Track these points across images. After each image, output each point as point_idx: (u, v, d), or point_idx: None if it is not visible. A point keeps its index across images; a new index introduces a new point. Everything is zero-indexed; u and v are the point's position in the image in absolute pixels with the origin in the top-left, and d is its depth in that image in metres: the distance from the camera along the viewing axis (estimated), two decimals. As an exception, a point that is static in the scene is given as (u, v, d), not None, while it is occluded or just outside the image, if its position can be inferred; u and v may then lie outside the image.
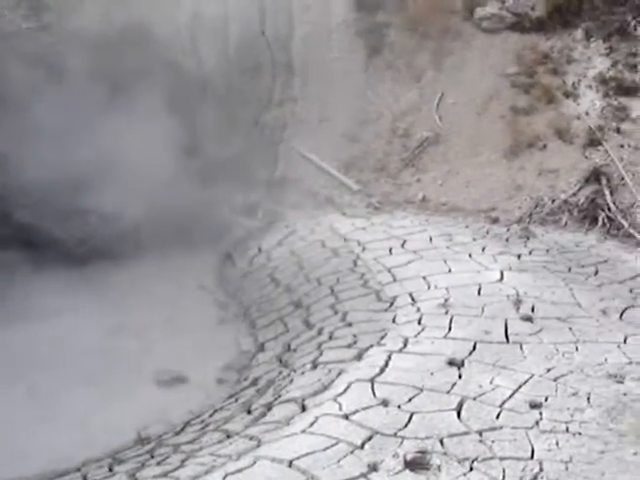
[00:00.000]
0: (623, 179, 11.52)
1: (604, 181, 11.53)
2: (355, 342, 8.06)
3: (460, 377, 6.92)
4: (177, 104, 12.68)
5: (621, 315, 8.27)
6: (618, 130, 12.19)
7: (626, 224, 10.86)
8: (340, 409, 6.57)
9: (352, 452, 5.95)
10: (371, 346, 7.78)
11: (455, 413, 6.37)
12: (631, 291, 8.94)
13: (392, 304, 8.78)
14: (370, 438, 6.11)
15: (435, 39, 14.28)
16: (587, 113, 12.57)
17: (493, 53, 13.93)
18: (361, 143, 13.50)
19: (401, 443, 6.01)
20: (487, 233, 10.98)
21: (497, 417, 6.30)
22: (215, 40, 14.23)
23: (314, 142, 13.47)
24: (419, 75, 14.11)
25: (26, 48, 12.39)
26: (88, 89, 11.86)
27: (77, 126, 11.66)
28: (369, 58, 14.46)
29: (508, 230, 11.08)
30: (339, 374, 7.34)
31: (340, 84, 14.04)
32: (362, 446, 6.01)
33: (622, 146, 11.97)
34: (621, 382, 6.83)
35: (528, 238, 10.71)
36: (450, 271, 9.44)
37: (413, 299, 8.76)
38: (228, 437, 6.91)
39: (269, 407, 7.23)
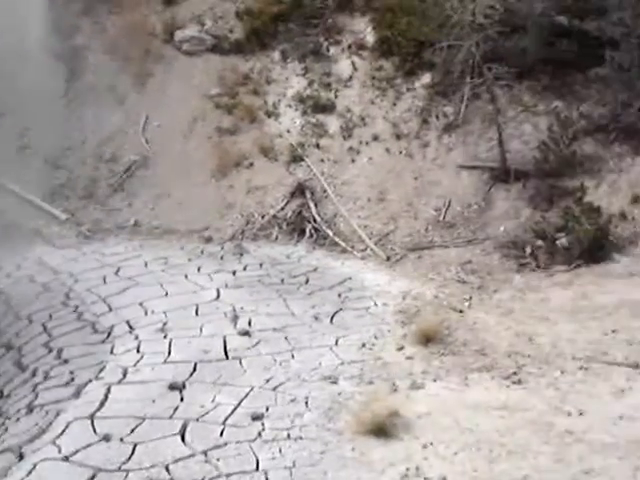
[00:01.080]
0: (326, 192, 12.22)
1: (308, 194, 12.16)
2: (72, 379, 7.70)
3: (182, 400, 6.91)
4: None
5: (331, 319, 8.77)
6: (318, 146, 12.91)
7: (331, 233, 11.54)
8: (60, 451, 6.27)
9: (74, 495, 5.69)
10: (89, 381, 7.50)
11: (179, 437, 6.34)
12: (339, 295, 9.50)
13: (109, 335, 8.55)
14: (93, 477, 5.88)
15: (137, 62, 14.19)
16: (288, 131, 13.16)
17: (195, 75, 14.13)
18: (66, 170, 13.05)
19: (126, 476, 5.86)
20: (202, 253, 11.11)
21: (221, 434, 6.36)
22: None
23: (14, 171, 12.72)
24: (122, 98, 13.95)
25: None
26: None
27: None
28: (69, 82, 14.05)
29: (222, 248, 11.29)
30: (57, 415, 6.97)
31: (39, 109, 13.40)
32: (85, 486, 5.77)
33: (322, 160, 12.69)
34: (335, 383, 7.21)
35: (242, 254, 10.99)
36: (167, 294, 9.43)
37: (131, 327, 8.60)
38: (-63, 501, 6.27)
39: (-18, 461, 6.67)
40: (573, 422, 6.41)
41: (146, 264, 10.59)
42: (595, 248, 10.11)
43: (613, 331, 8.18)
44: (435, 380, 7.25)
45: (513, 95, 12.36)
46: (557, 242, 10.37)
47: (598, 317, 8.59)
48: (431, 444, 6.14)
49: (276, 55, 14.22)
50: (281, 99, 13.61)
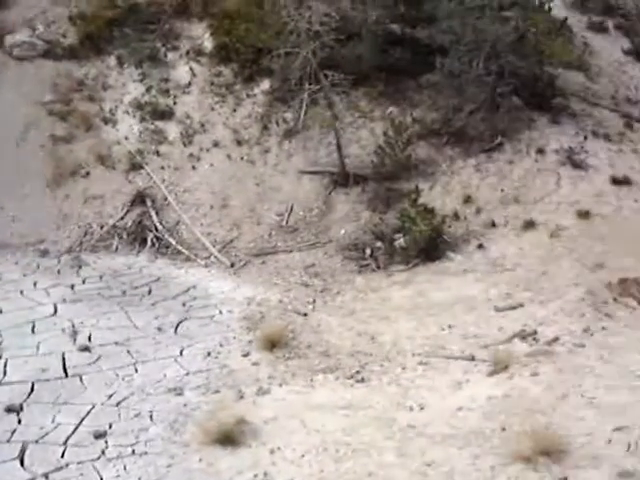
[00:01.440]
0: (167, 199, 12.03)
1: (149, 203, 11.94)
2: None
3: (20, 422, 6.61)
4: None
5: (176, 329, 8.65)
6: (157, 153, 12.69)
7: (174, 242, 11.38)
8: None
9: None
10: None
11: (18, 461, 6.06)
12: (184, 305, 9.39)
13: (-62, 359, 8.02)
14: None
15: (-37, 68, 13.42)
16: (127, 138, 12.85)
17: (27, 81, 13.53)
18: None
19: (-40, 508, 5.54)
20: (38, 267, 10.64)
21: (62, 456, 6.13)
22: None
23: None
24: (-52, 107, 13.14)
25: None
26: None
27: None
28: None
29: (59, 261, 10.88)
30: None
31: None
32: None
33: (163, 168, 12.49)
34: (181, 394, 7.11)
35: (80, 267, 10.63)
36: (1, 312, 8.99)
37: (-38, 349, 8.11)
38: None
39: None
40: (414, 417, 6.65)
41: (-22, 283, 10.04)
42: (430, 247, 10.53)
43: (449, 326, 8.56)
44: (281, 384, 7.31)
45: (350, 101, 12.67)
46: (395, 243, 10.73)
47: (435, 313, 8.96)
48: (278, 448, 6.18)
49: (112, 60, 13.88)
50: (118, 105, 13.29)
